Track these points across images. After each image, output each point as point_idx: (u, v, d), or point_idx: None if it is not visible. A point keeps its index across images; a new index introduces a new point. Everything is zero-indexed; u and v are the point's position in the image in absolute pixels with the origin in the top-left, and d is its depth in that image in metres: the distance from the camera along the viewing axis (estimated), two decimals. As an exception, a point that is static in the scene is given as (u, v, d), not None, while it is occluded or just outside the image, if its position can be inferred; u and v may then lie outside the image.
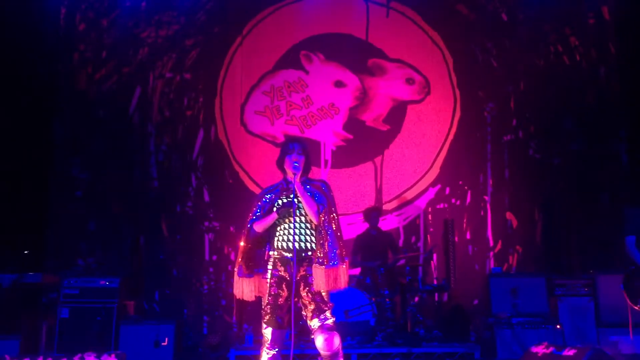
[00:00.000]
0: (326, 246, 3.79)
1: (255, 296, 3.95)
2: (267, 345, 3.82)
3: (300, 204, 3.86)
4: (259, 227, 3.93)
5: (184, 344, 6.39)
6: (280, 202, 3.93)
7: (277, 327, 3.81)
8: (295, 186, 3.83)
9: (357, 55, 7.51)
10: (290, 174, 3.89)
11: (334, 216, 3.90)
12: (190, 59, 7.46)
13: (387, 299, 6.05)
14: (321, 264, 3.78)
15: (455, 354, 5.70)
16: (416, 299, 6.29)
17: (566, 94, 7.35)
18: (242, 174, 7.31)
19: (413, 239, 7.26)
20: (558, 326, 5.92)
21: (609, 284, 6.07)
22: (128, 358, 4.73)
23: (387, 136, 7.43)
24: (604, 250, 6.93)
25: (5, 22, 6.80)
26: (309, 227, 3.89)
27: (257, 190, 7.00)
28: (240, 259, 3.95)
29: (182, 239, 7.18)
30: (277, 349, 3.82)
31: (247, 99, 7.48)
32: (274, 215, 3.90)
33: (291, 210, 3.83)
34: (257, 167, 7.29)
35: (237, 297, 3.97)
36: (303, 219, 3.88)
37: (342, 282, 3.81)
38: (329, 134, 7.44)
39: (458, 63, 7.49)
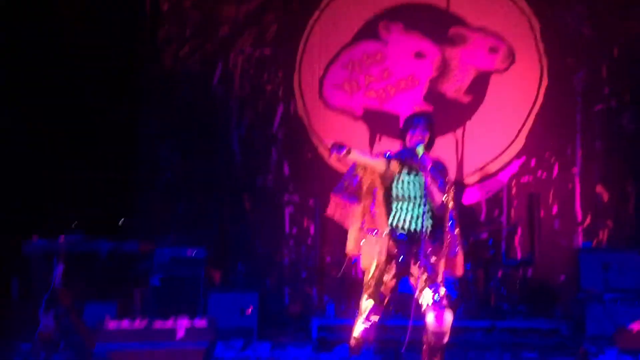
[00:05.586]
0: (447, 232, 3.77)
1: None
2: (364, 316, 3.84)
3: (421, 182, 3.76)
4: (355, 153, 3.78)
5: (267, 312, 6.55)
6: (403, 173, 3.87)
7: (378, 302, 3.82)
8: (424, 173, 3.72)
9: (438, 24, 7.30)
10: (417, 153, 3.77)
11: (452, 197, 3.83)
12: (270, 34, 7.51)
13: (469, 273, 5.95)
14: (442, 251, 3.77)
15: (540, 329, 5.53)
16: (500, 273, 6.14)
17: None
18: (320, 148, 7.34)
19: (496, 212, 7.06)
20: (654, 303, 5.63)
21: None
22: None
23: (469, 107, 7.21)
24: None
25: (94, 8, 7.09)
26: (429, 209, 3.80)
27: (334, 165, 7.01)
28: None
29: (263, 212, 7.32)
30: (373, 322, 3.84)
31: (326, 72, 7.46)
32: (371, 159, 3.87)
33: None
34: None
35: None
36: (423, 200, 3.75)
37: (459, 271, 3.85)
38: (409, 107, 7.32)
39: (546, 30, 7.13)
